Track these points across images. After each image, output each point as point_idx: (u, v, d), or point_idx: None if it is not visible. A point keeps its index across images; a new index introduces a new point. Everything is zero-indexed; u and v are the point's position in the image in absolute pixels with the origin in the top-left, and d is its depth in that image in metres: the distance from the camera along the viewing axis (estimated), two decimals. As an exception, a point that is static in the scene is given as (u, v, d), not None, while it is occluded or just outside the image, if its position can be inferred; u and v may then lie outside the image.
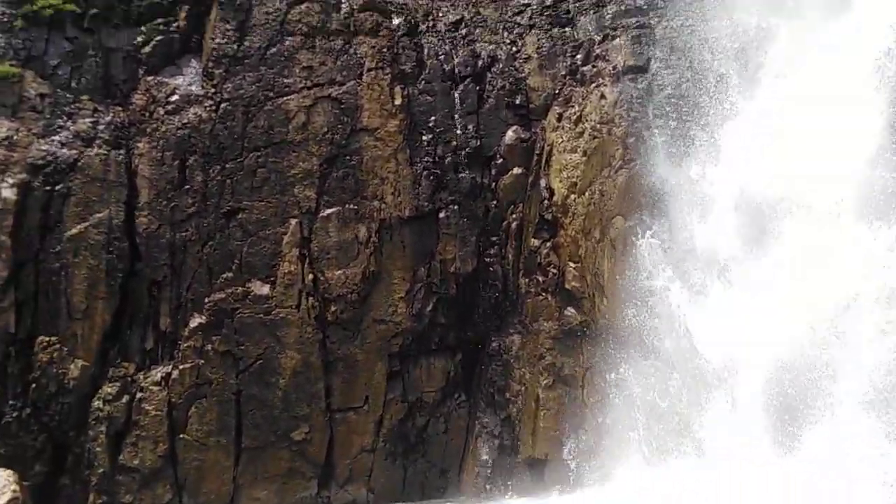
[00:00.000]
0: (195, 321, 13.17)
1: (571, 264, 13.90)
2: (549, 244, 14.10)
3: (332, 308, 13.59)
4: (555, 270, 13.95)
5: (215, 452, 12.84)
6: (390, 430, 13.47)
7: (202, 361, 13.03)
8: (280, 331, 13.31)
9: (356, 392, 13.47)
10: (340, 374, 13.44)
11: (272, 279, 13.50)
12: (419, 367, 13.76)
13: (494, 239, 14.32)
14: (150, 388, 12.86)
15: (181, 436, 12.80)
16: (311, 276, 13.61)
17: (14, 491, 11.44)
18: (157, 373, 12.97)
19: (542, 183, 14.32)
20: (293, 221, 13.69)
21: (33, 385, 12.58)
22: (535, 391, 13.51)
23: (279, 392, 13.13)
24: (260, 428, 13.01)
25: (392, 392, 13.58)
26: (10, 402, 12.42)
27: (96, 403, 12.66)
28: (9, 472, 11.54)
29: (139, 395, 12.79)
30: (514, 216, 14.38)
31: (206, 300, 13.26)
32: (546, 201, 14.20)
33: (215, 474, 12.80)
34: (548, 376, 13.44)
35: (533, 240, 14.21)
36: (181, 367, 12.98)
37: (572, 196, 14.05)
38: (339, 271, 13.69)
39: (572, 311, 13.68)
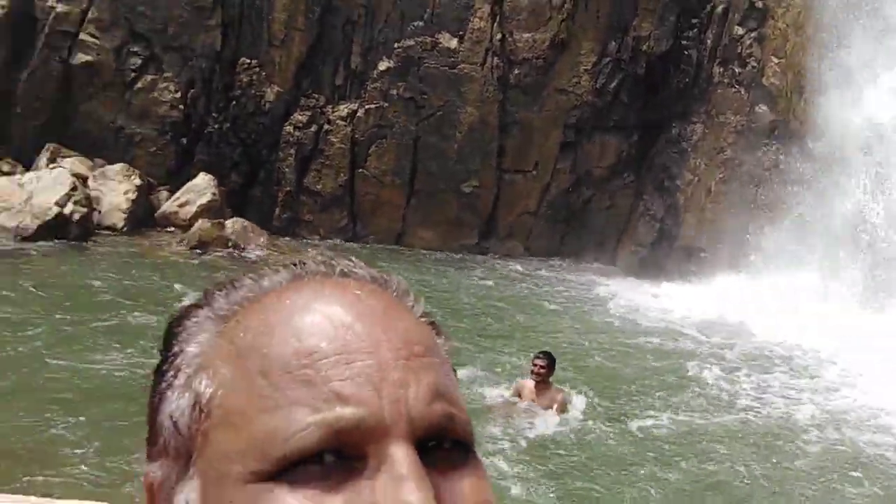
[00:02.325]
0: (384, 65, 13.52)
1: (774, 59, 13.01)
2: (753, 34, 13.17)
3: (516, 71, 13.53)
4: (754, 63, 13.12)
5: (390, 190, 13.61)
6: (555, 197, 13.74)
7: (386, 104, 13.51)
8: (463, 86, 13.48)
9: (528, 157, 13.68)
10: (515, 136, 13.62)
11: (461, 33, 13.48)
12: (593, 141, 13.70)
13: (695, 21, 13.51)
14: (337, 121, 13.56)
15: (360, 170, 13.61)
16: (499, 36, 13.48)
17: (213, 194, 12.76)
18: (344, 108, 13.59)
19: (760, -34, 13.17)
20: (488, -23, 13.39)
21: (234, 103, 13.55)
22: (707, 183, 13.23)
23: (455, 145, 13.54)
24: (433, 175, 13.60)
25: (562, 162, 13.70)
26: (213, 115, 13.48)
27: (288, 128, 13.53)
28: (210, 176, 12.81)
29: (326, 126, 13.54)
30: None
31: (396, 45, 13.50)
32: (760, -13, 13.11)
33: (388, 210, 13.66)
34: (724, 171, 13.08)
35: (737, 28, 13.30)
36: (367, 106, 13.53)
37: (791, -16, 12.90)
38: (528, 34, 13.47)
39: (764, 108, 12.98)
